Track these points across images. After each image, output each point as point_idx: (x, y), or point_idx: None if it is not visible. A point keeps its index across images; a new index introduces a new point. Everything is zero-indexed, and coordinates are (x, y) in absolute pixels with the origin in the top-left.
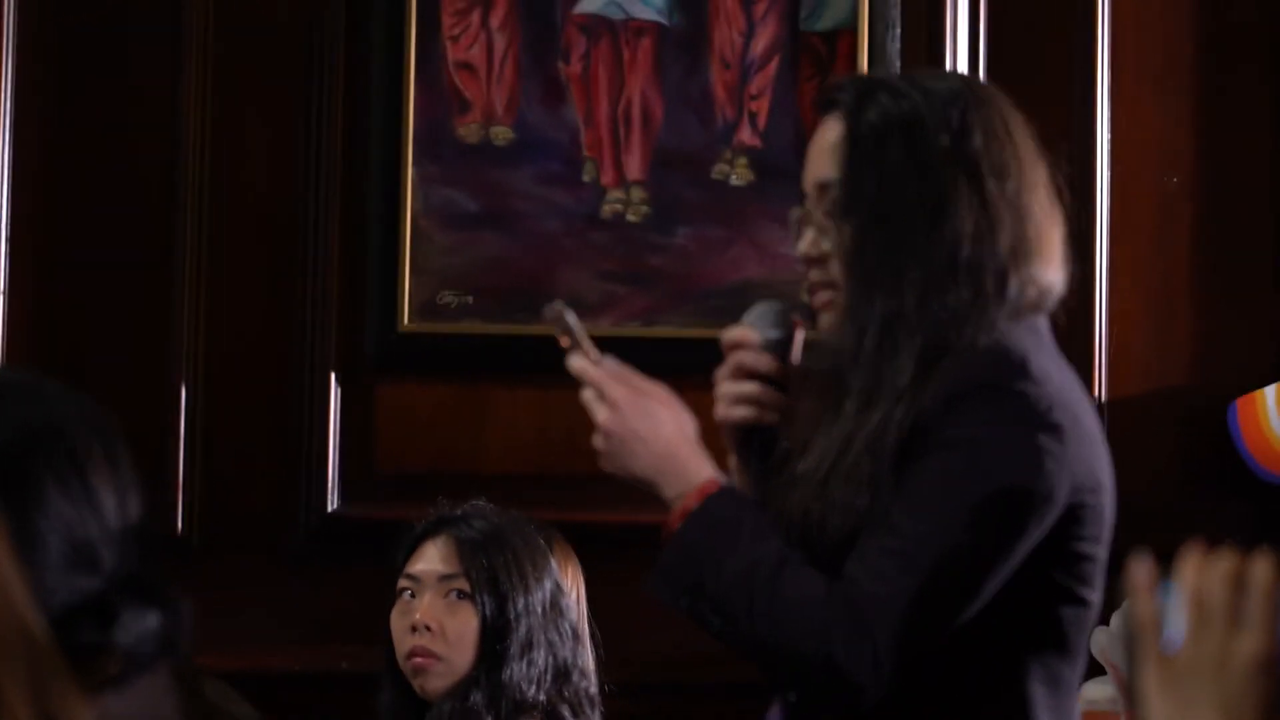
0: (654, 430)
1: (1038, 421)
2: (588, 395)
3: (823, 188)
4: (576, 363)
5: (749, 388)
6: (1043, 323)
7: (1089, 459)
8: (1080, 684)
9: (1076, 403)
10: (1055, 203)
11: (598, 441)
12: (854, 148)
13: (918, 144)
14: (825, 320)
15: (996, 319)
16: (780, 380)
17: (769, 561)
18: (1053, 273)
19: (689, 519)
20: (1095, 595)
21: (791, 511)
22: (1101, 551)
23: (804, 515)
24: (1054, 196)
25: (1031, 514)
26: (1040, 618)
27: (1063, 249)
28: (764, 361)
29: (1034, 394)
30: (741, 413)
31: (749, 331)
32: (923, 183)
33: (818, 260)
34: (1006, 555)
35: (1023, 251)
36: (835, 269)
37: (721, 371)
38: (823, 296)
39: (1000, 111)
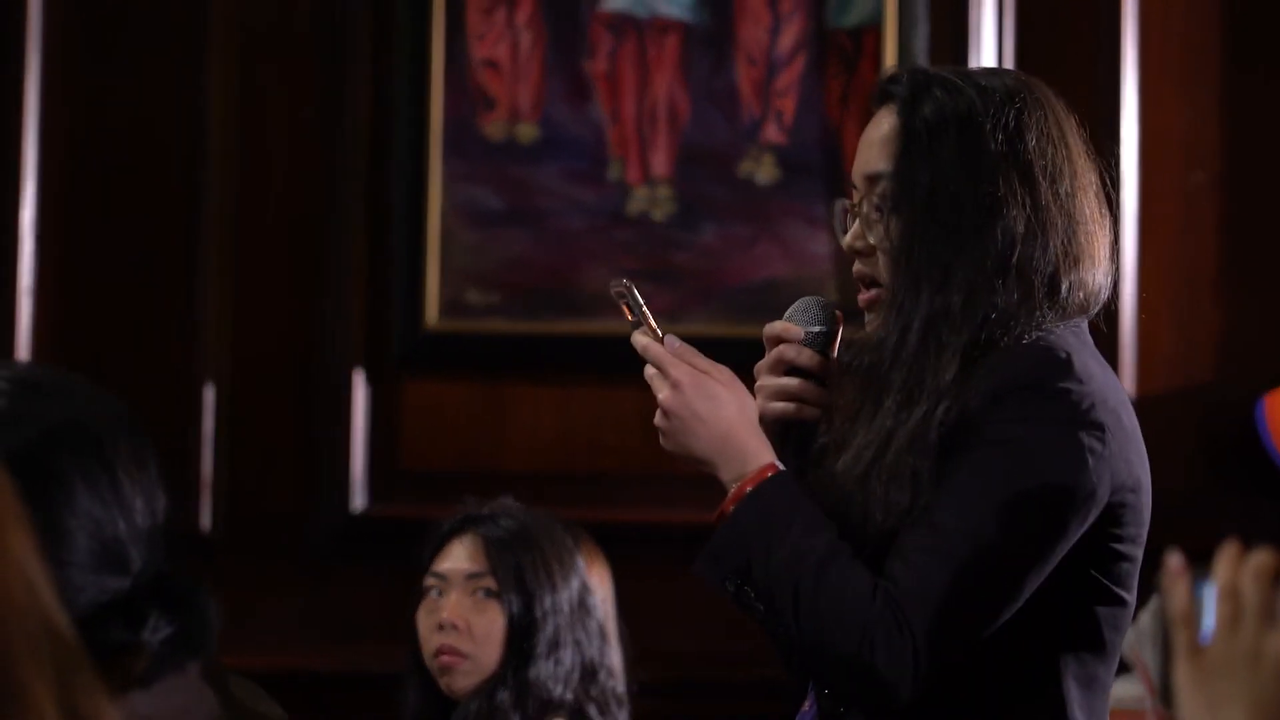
0: (715, 411)
1: (1081, 420)
2: (650, 372)
3: (872, 180)
4: (640, 339)
5: (789, 382)
6: (1085, 327)
7: (1130, 458)
8: (1111, 684)
9: (1118, 402)
10: (1104, 207)
11: (658, 420)
12: (907, 142)
13: (972, 142)
14: (870, 318)
15: (1044, 321)
16: (821, 375)
17: (818, 553)
18: (1100, 276)
19: (743, 502)
20: (1131, 596)
21: (832, 506)
22: (1138, 552)
23: (844, 511)
24: (1103, 201)
25: (1073, 513)
26: (1077, 616)
27: (1110, 253)
28: (806, 356)
29: (1077, 392)
30: (780, 407)
31: (792, 325)
32: (976, 181)
33: (862, 253)
34: (1048, 554)
35: (1073, 255)
36: (880, 263)
37: (762, 365)
38: (867, 294)
39: (1055, 113)
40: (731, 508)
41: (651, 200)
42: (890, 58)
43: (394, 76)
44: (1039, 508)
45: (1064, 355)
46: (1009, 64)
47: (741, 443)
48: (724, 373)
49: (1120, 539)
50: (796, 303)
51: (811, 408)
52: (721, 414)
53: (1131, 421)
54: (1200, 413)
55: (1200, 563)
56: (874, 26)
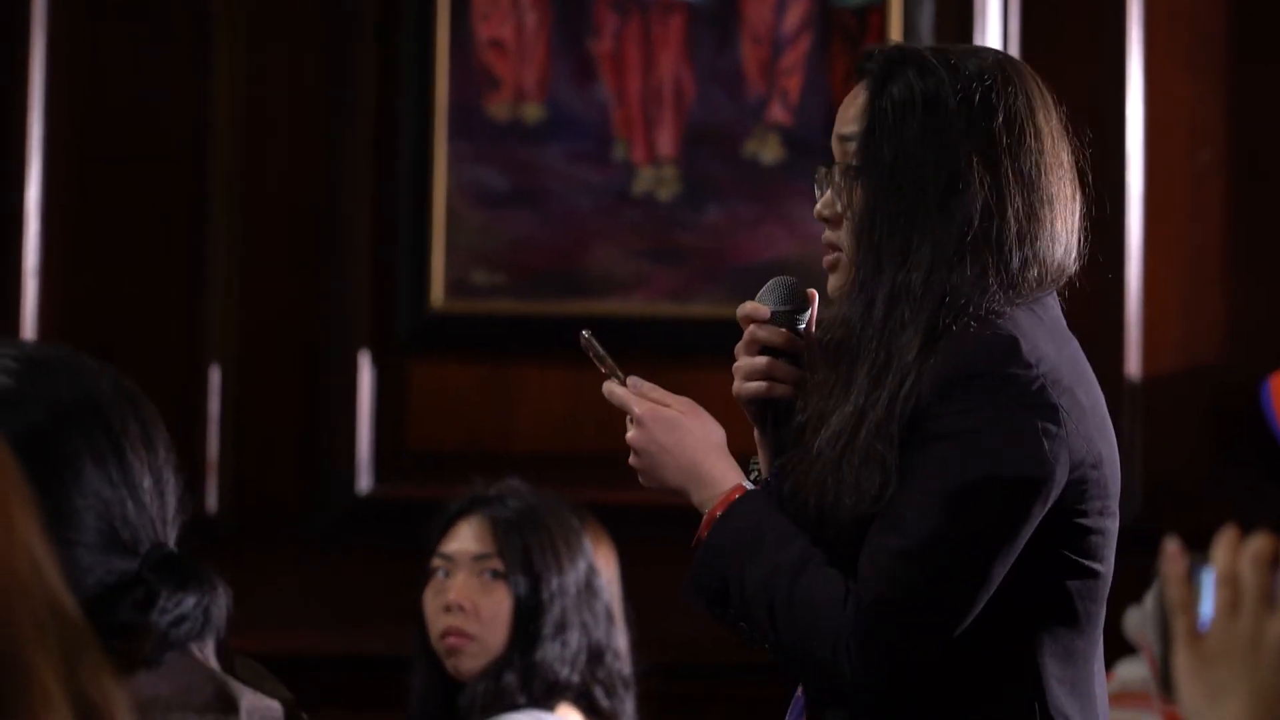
0: (679, 441)
1: (1032, 403)
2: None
3: (843, 139)
4: (607, 386)
5: (759, 361)
6: (1051, 301)
7: (1089, 434)
8: (1095, 653)
9: (1074, 379)
10: (1075, 185)
11: (631, 460)
12: (873, 118)
13: (936, 120)
14: (831, 281)
15: (997, 301)
16: (792, 353)
17: (790, 565)
18: (1061, 253)
19: (714, 526)
20: (1105, 566)
21: (808, 489)
22: (1109, 523)
23: (819, 494)
24: (1074, 179)
25: (1034, 498)
26: (1049, 592)
27: (1078, 231)
28: (776, 335)
29: (1025, 376)
30: (754, 386)
31: (760, 305)
32: (937, 158)
33: (830, 221)
34: (1012, 542)
35: (1031, 232)
36: (846, 233)
37: (739, 346)
38: (829, 257)
39: (1027, 91)
40: (705, 533)
41: (657, 180)
42: (895, 36)
43: (399, 56)
44: (1000, 499)
45: (1009, 341)
46: (1014, 43)
47: (708, 469)
48: (684, 403)
49: (1085, 513)
50: (770, 282)
51: (783, 385)
52: (685, 442)
53: (1090, 397)
54: (1206, 394)
55: (1206, 542)
56: (879, 5)
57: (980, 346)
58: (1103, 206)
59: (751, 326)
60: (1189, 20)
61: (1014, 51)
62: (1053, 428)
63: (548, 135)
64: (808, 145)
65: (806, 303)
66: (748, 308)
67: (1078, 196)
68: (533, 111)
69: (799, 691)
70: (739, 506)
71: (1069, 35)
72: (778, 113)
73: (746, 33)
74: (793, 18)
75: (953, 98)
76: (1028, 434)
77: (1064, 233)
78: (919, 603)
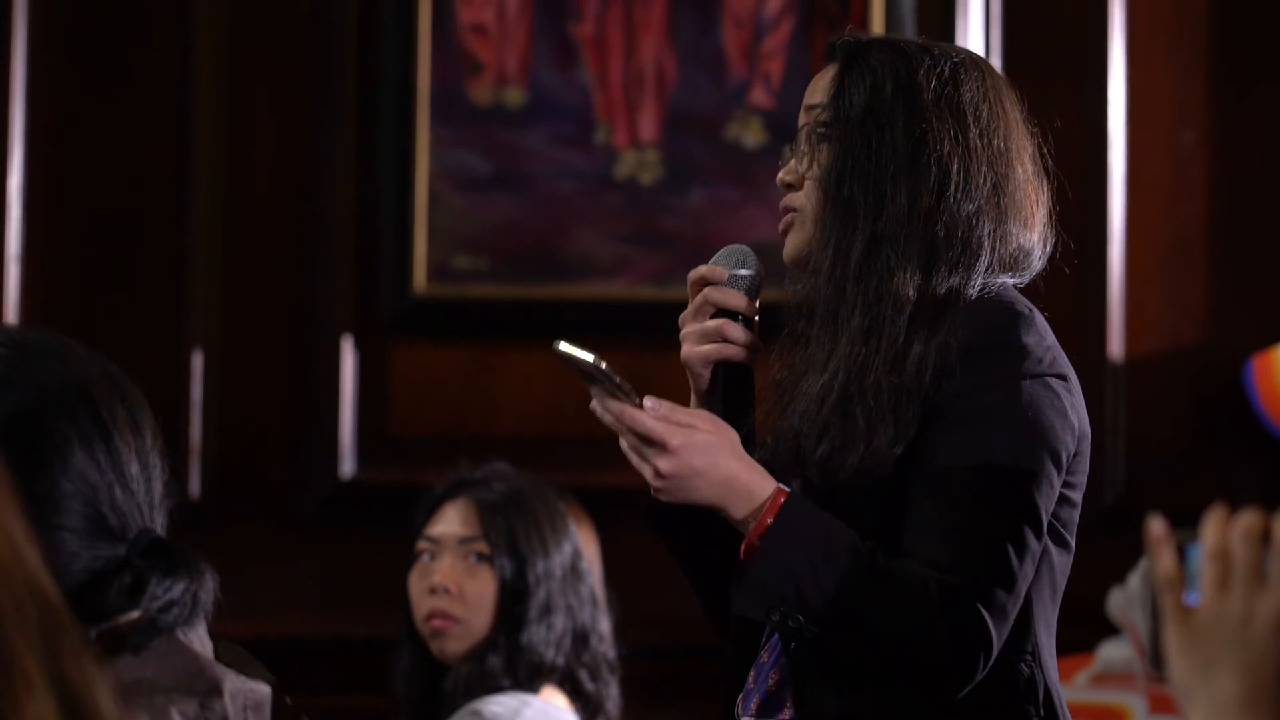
0: (711, 462)
1: (1051, 371)
2: (626, 444)
3: (810, 108)
4: (616, 406)
5: (714, 322)
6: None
7: (1083, 407)
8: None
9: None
10: (1040, 175)
11: (655, 481)
12: (844, 78)
13: (908, 83)
14: (789, 242)
15: (977, 262)
16: (747, 317)
17: (858, 562)
18: (1032, 238)
19: (769, 534)
20: (1074, 542)
21: (807, 434)
22: (1080, 500)
23: (819, 438)
24: (1040, 170)
25: (1065, 458)
26: (1045, 563)
27: (1046, 220)
28: (731, 297)
29: (1043, 345)
30: (707, 349)
31: (717, 268)
32: (907, 119)
33: (792, 186)
34: (1052, 504)
35: (999, 206)
36: (808, 192)
37: (687, 312)
38: (786, 218)
39: (994, 81)
40: (759, 542)
41: (639, 164)
42: (877, 18)
43: (381, 41)
44: (1041, 463)
45: (1026, 311)
46: (997, 24)
47: (744, 481)
48: (704, 418)
49: (1073, 485)
50: (722, 249)
51: (734, 348)
52: (718, 462)
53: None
54: (1189, 374)
55: (1189, 522)
56: None
57: (1001, 314)
58: (1074, 196)
59: (707, 289)
60: (1172, 1)
61: (996, 34)
62: (1067, 395)
63: (529, 119)
64: (790, 129)
65: (760, 269)
66: (703, 270)
67: (1044, 187)
68: (514, 95)
69: (765, 658)
70: (791, 509)
71: (1052, 13)
72: (759, 96)
73: (728, 16)
74: (774, 1)
75: (922, 67)
76: (1054, 399)
77: (1032, 219)
78: (997, 575)
